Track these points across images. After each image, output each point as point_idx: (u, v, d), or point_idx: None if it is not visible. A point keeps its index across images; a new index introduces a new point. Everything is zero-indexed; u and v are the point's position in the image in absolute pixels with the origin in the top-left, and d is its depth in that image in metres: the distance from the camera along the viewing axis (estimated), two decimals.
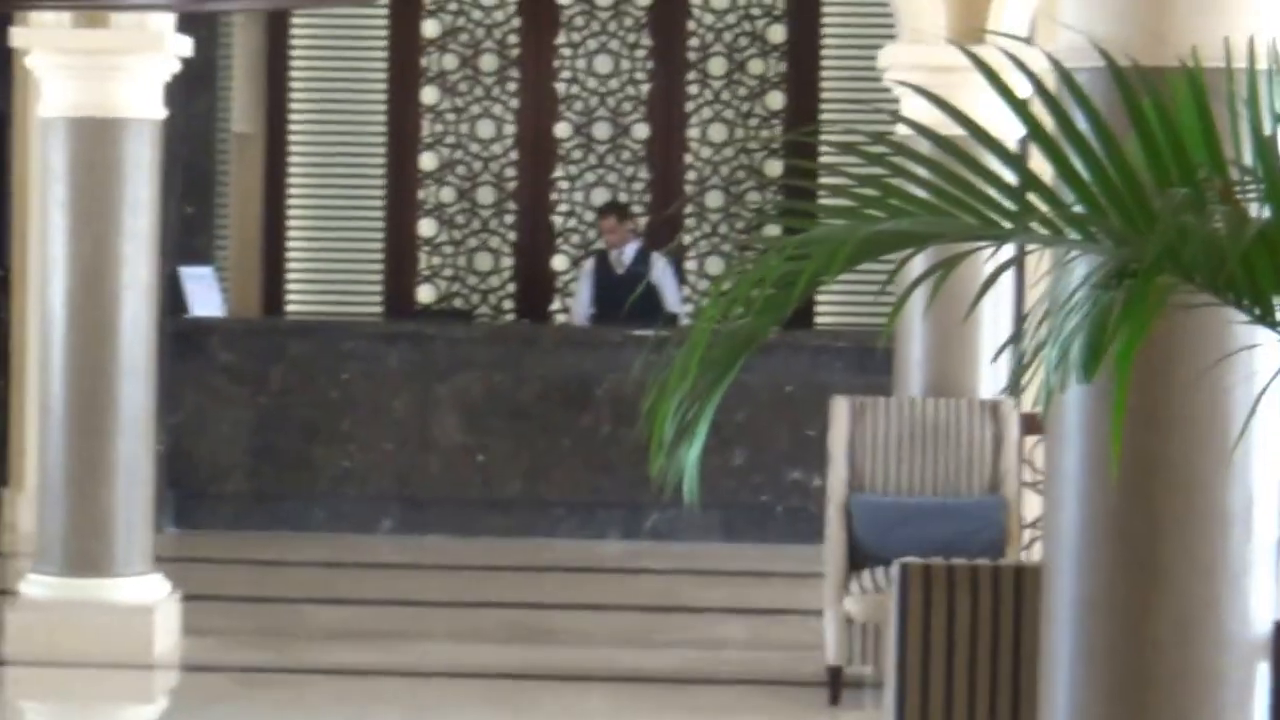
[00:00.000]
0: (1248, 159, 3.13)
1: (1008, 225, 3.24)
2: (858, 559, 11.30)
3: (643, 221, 17.58)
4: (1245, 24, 5.15)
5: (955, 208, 3.26)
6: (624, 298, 16.07)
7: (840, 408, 11.69)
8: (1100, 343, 3.04)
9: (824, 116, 18.44)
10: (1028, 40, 10.70)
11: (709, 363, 3.29)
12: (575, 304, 17.46)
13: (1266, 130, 3.17)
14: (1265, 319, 3.08)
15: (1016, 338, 4.32)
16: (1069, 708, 5.62)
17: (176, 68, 12.28)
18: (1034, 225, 3.17)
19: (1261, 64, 3.36)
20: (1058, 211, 3.15)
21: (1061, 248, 3.23)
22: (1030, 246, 3.36)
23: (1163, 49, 3.91)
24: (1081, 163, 3.09)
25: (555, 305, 18.19)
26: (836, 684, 11.07)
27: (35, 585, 12.22)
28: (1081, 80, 4.27)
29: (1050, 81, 3.48)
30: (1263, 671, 5.55)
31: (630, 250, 16.50)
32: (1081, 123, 3.17)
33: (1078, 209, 3.15)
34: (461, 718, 11.75)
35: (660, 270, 16.77)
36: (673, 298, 16.60)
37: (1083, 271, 3.16)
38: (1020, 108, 3.28)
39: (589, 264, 17.16)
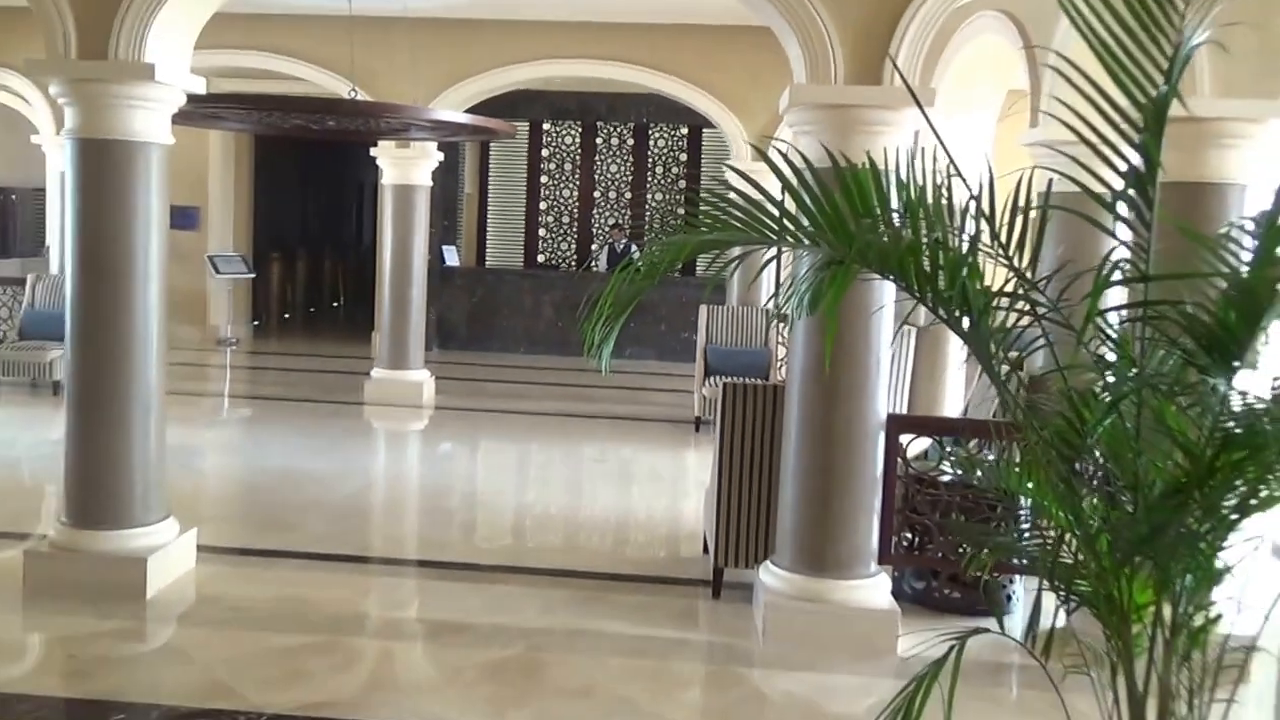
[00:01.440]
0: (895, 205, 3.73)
1: (773, 237, 3.85)
2: (709, 371, 14.07)
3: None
4: (894, 141, 6.81)
5: (748, 227, 3.91)
6: (617, 264, 21.97)
7: (703, 311, 14.44)
8: (818, 296, 3.72)
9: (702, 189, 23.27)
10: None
11: (619, 302, 4.03)
12: (600, 263, 20.95)
13: (892, 197, 3.75)
14: (903, 286, 3.71)
15: (775, 291, 6.16)
16: (792, 455, 7.18)
17: (437, 162, 15.35)
18: (787, 237, 3.77)
19: (888, 166, 3.77)
20: (800, 230, 3.78)
21: (801, 250, 3.81)
22: (785, 250, 3.86)
23: (859, 155, 4.22)
24: (813, 205, 3.76)
25: (590, 263, 21.88)
26: (699, 424, 14.13)
27: (376, 372, 15.26)
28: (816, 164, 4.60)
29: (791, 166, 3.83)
30: (881, 440, 7.15)
31: (622, 243, 20.72)
32: (812, 186, 3.77)
33: (809, 229, 3.76)
34: (545, 434, 14.02)
35: (633, 250, 19.25)
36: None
37: (809, 262, 3.82)
38: (786, 183, 3.85)
39: (605, 249, 21.10)
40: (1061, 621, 3.76)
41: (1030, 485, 4.00)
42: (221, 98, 10.80)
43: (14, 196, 21.22)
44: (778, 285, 4.63)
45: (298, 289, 25.63)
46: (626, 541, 9.71)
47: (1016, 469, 4.14)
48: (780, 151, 4.24)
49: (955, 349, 12.60)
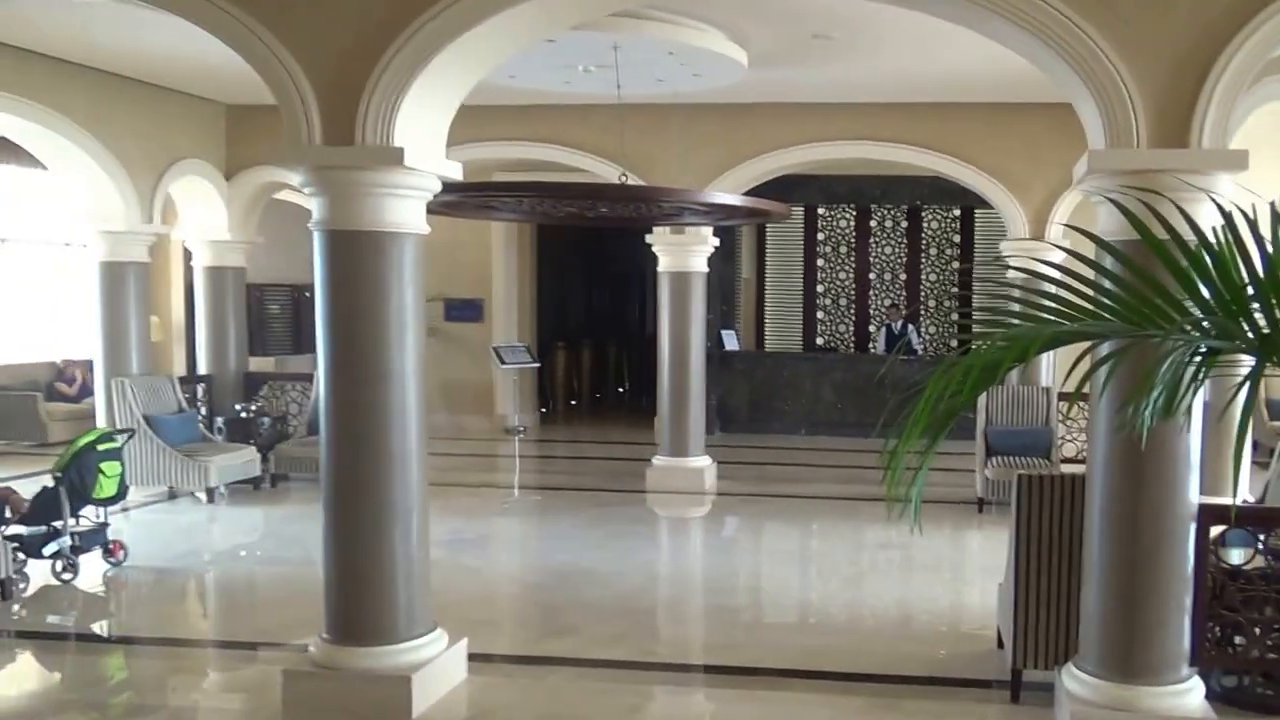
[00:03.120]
0: None
1: (1159, 325, 3.19)
2: (990, 451, 13.62)
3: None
4: (1203, 209, 5.76)
5: (1120, 314, 3.32)
6: (893, 344, 20.20)
7: (984, 395, 12.00)
8: (1174, 394, 3.15)
9: (976, 270, 21.22)
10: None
11: (936, 420, 3.49)
12: (878, 344, 21.06)
13: None
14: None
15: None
16: (1096, 549, 6.58)
17: (713, 247, 15.17)
18: (1181, 326, 3.09)
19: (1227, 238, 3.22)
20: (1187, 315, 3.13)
21: (1181, 338, 3.07)
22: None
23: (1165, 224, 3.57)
24: (1220, 283, 3.10)
25: (869, 345, 21.76)
26: (981, 505, 13.55)
27: (658, 460, 15.05)
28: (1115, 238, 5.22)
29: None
30: (1192, 532, 6.51)
31: (899, 324, 20.74)
32: (1207, 266, 3.15)
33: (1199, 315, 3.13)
34: (827, 519, 13.42)
35: (910, 331, 20.68)
36: (917, 345, 20.25)
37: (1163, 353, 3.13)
38: (1168, 261, 3.24)
39: (882, 330, 21.04)
40: None
41: None
42: (489, 185, 10.40)
43: (307, 294, 21.30)
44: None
45: (583, 376, 25.49)
46: (914, 637, 9.01)
47: None
48: (1139, 223, 3.60)
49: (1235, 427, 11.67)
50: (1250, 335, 2.99)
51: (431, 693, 7.28)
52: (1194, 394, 3.13)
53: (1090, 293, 3.49)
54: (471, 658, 7.87)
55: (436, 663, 7.34)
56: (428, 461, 7.31)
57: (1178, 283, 3.26)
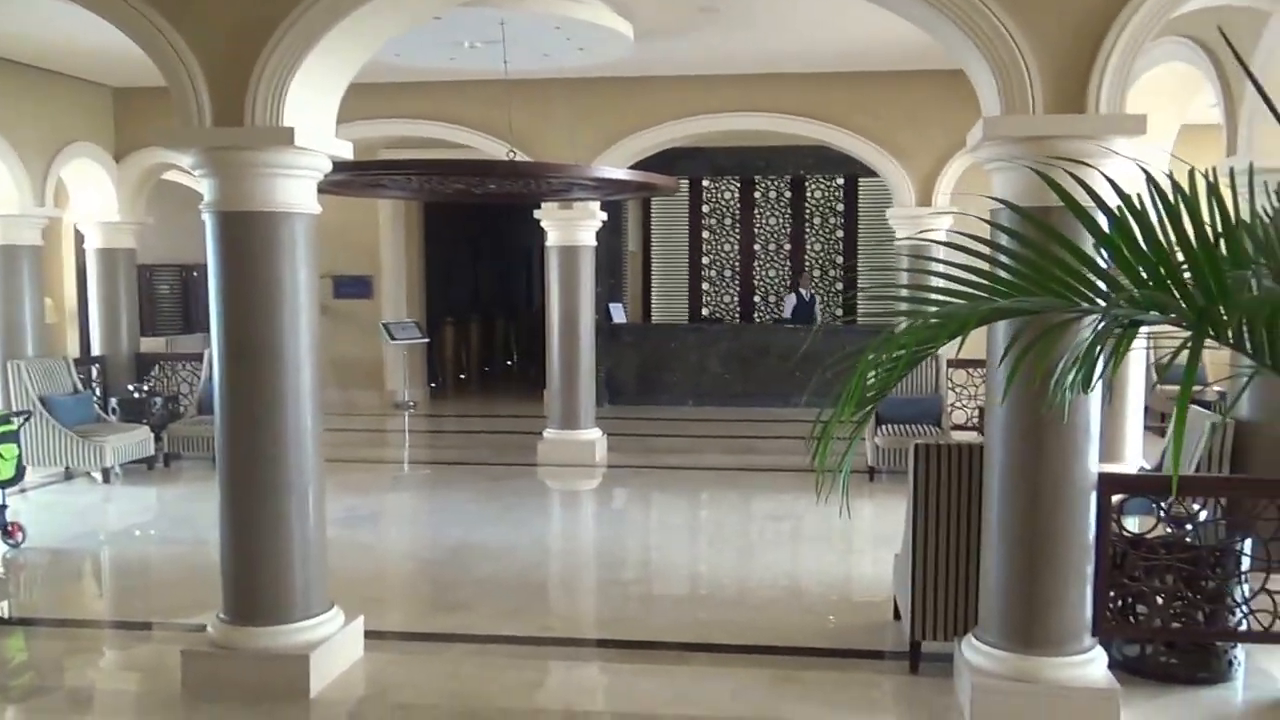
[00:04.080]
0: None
1: (1098, 301, 3.10)
2: (880, 420, 13.60)
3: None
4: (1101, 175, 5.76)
5: (1037, 287, 3.21)
6: (802, 311, 20.37)
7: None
8: (1090, 367, 3.09)
9: (860, 238, 21.80)
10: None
11: (865, 399, 3.51)
12: (784, 313, 21.04)
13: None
14: (1232, 345, 2.98)
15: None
16: (997, 520, 6.47)
17: (601, 222, 15.15)
18: (1119, 301, 3.00)
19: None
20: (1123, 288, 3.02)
21: (1121, 313, 2.98)
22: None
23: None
24: (1154, 253, 2.96)
25: (754, 315, 22.06)
26: (872, 474, 13.39)
27: (548, 433, 14.97)
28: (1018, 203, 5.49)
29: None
30: (1093, 501, 6.41)
31: (805, 292, 20.81)
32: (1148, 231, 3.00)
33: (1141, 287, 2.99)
34: (716, 490, 13.59)
35: (812, 300, 20.83)
36: (819, 308, 20.47)
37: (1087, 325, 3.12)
38: (1110, 229, 3.08)
39: (791, 297, 20.97)
40: None
41: None
42: (379, 164, 10.23)
43: (195, 273, 21.31)
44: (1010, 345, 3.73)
45: (472, 351, 25.39)
46: (809, 609, 8.85)
47: None
48: (1085, 185, 3.51)
49: (1135, 395, 11.91)
50: (1184, 307, 2.93)
51: (328, 671, 7.17)
52: (1114, 367, 3.12)
53: (1010, 264, 3.46)
54: (368, 635, 7.73)
55: (333, 641, 7.23)
56: (321, 439, 7.15)
57: (1107, 252, 3.23)
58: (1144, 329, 3.07)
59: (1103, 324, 3.11)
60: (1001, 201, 4.32)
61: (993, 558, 6.59)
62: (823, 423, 3.55)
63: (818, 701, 6.94)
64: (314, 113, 6.91)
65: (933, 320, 3.40)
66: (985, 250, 3.51)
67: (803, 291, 20.98)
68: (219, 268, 6.82)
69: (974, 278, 3.43)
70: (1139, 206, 3.12)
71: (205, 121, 6.68)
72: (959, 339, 3.47)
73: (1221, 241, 3.01)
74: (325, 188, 9.31)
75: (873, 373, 3.57)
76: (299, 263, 6.87)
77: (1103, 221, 3.26)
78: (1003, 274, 3.43)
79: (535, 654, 7.88)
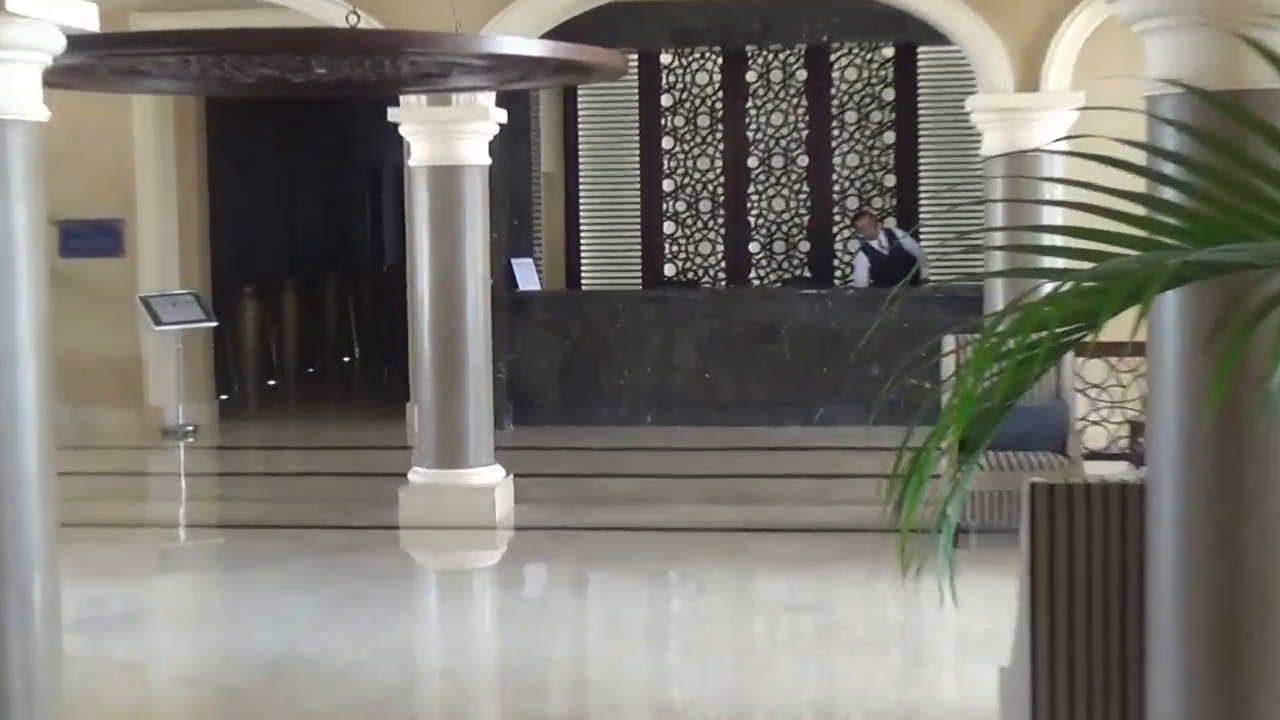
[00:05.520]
0: None
1: None
2: (966, 446, 15.11)
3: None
4: None
5: (1245, 224, 3.31)
6: (889, 269, 19.99)
7: (949, 342, 12.54)
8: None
9: (921, 147, 21.97)
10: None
11: (985, 413, 3.75)
12: (856, 281, 21.07)
13: None
14: None
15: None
16: (1171, 608, 6.59)
17: (497, 126, 15.60)
18: None
19: None
20: None
21: None
22: None
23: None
24: None
25: (751, 274, 22.18)
26: (959, 533, 14.76)
27: (417, 475, 15.38)
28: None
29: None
30: None
31: (883, 237, 20.84)
32: None
33: None
34: (698, 563, 14.10)
35: (911, 245, 20.80)
36: (922, 262, 20.29)
37: None
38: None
39: (861, 255, 21.06)
40: None
41: None
42: (142, 38, 10.11)
43: None
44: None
45: (286, 339, 25.66)
46: None
47: None
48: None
49: None
50: None
51: None
52: None
53: (1190, 186, 3.47)
54: None
55: None
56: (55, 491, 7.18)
57: None
58: None
59: None
60: (1172, 84, 4.50)
61: (1166, 673, 6.61)
62: (910, 450, 3.60)
63: None
64: None
65: (1086, 284, 3.40)
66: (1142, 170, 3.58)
67: (875, 243, 20.96)
68: None
69: (1134, 211, 3.48)
70: None
71: None
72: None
73: None
74: (53, 79, 9.18)
75: (989, 369, 3.60)
76: (13, 199, 6.87)
77: None
78: (1176, 202, 3.47)
79: None
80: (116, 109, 19.42)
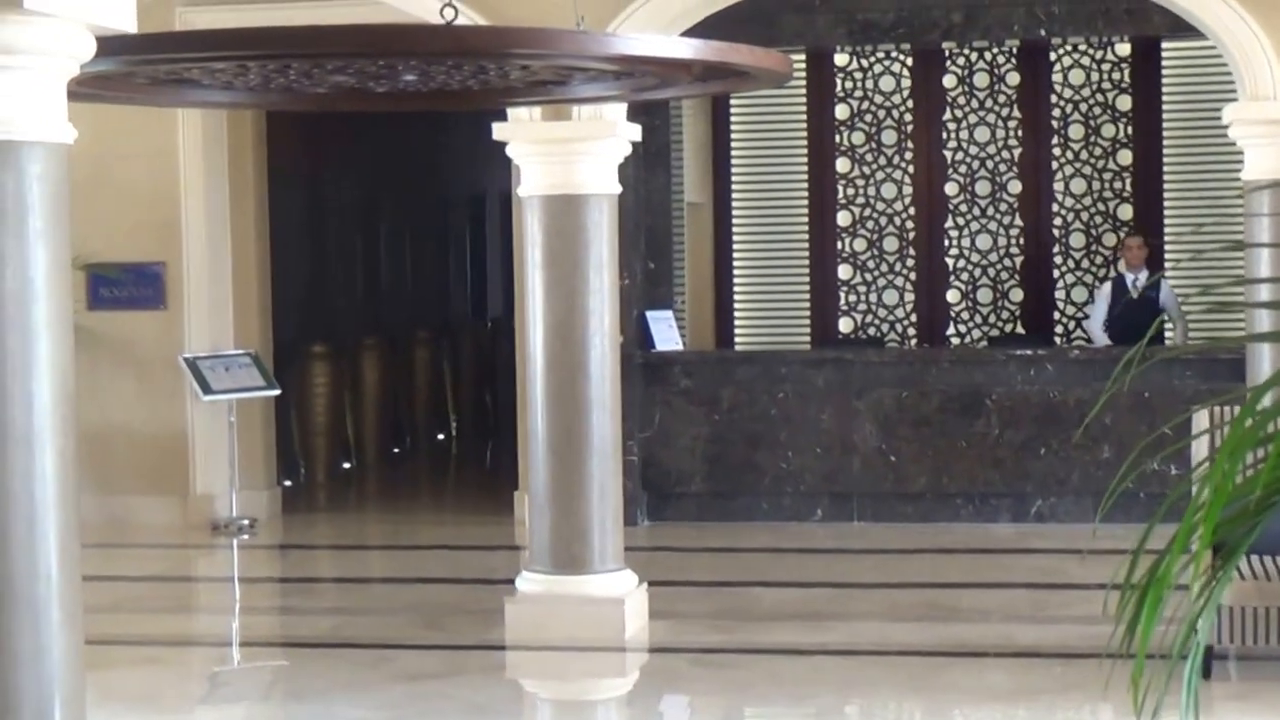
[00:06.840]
0: None
1: None
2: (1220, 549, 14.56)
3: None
4: None
5: None
6: (1133, 318, 19.71)
7: (1201, 419, 13.91)
8: None
9: (1167, 170, 21.73)
10: None
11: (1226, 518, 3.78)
12: (1091, 324, 21.26)
13: None
14: None
15: None
16: None
17: (628, 150, 15.89)
18: None
19: None
20: None
21: None
22: None
23: None
24: None
25: (950, 330, 22.30)
26: (1211, 661, 13.22)
27: (528, 581, 15.46)
28: None
29: None
30: None
31: (1143, 275, 20.50)
32: None
33: None
34: (881, 696, 14.30)
35: (1167, 295, 20.44)
36: (1180, 326, 20.22)
37: None
38: None
39: (1106, 287, 21.17)
40: None
41: None
42: (190, 39, 10.29)
43: None
44: None
45: (364, 412, 25.92)
46: None
47: None
48: None
49: None
50: None
51: None
52: None
53: None
54: None
55: None
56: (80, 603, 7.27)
57: None
58: None
59: None
60: None
61: None
62: (1148, 554, 3.69)
63: None
64: None
65: None
66: None
67: (1130, 279, 20.79)
68: None
69: None
70: None
71: None
72: None
73: None
74: (81, 90, 9.37)
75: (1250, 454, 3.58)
76: (30, 239, 7.03)
77: None
78: None
79: None
80: (158, 126, 19.65)
